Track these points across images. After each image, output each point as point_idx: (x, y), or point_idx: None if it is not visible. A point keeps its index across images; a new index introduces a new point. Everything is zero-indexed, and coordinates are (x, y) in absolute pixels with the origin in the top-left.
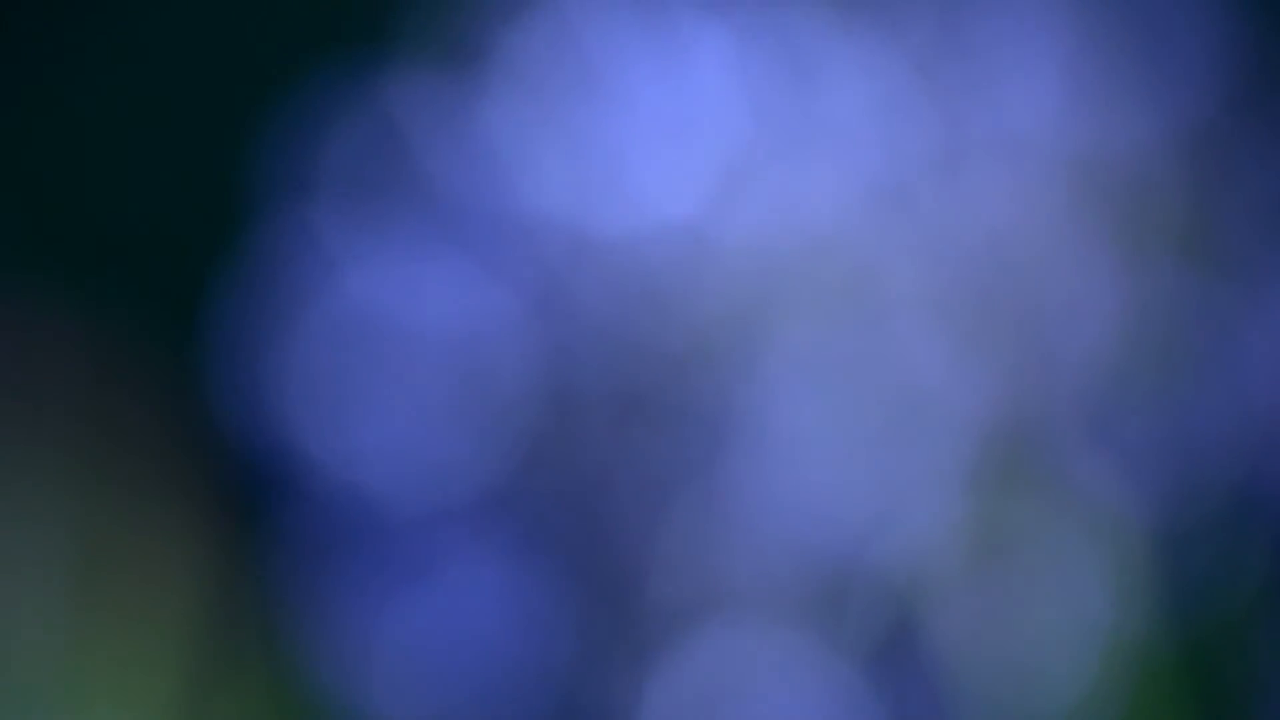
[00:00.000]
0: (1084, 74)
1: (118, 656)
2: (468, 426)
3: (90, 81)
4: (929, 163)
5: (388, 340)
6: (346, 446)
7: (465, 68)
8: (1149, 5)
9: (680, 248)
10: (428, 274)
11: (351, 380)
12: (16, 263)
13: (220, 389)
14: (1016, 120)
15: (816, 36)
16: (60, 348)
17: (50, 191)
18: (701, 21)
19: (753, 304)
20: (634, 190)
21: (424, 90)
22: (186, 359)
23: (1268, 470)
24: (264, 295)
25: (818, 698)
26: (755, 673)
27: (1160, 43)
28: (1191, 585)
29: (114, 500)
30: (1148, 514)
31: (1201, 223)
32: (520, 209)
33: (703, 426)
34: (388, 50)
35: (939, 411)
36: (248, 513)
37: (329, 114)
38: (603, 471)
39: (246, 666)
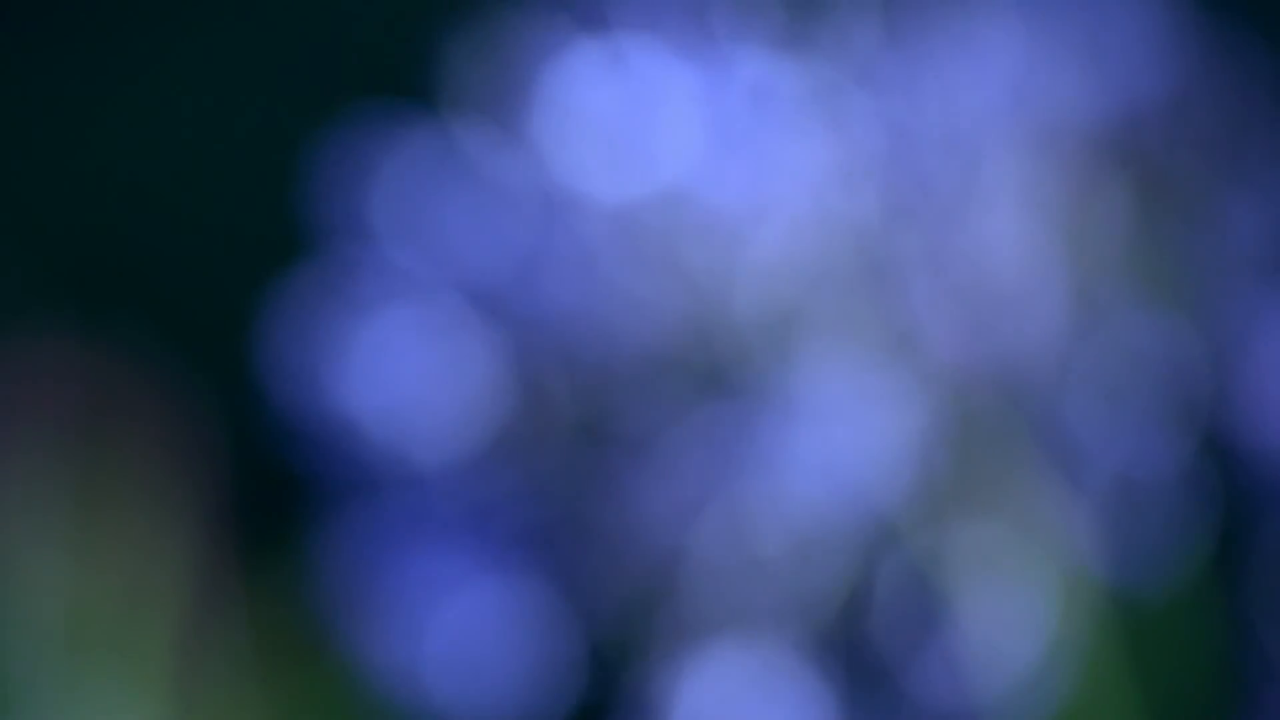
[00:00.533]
0: (1037, 66)
1: (122, 650)
2: (496, 411)
3: (140, 114)
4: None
5: (417, 334)
6: (377, 435)
7: (505, 103)
8: (1103, 4)
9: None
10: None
11: (383, 373)
12: (65, 288)
13: (256, 399)
14: (970, 110)
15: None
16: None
17: (93, 223)
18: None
19: (772, 279)
20: (649, 164)
21: (463, 125)
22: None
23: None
24: (308, 310)
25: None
26: (765, 669)
27: (1113, 37)
28: (1151, 560)
29: (125, 497)
30: (1111, 501)
31: (1152, 218)
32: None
33: (730, 399)
34: (430, 89)
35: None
36: (262, 504)
37: (366, 148)
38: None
39: (257, 657)
